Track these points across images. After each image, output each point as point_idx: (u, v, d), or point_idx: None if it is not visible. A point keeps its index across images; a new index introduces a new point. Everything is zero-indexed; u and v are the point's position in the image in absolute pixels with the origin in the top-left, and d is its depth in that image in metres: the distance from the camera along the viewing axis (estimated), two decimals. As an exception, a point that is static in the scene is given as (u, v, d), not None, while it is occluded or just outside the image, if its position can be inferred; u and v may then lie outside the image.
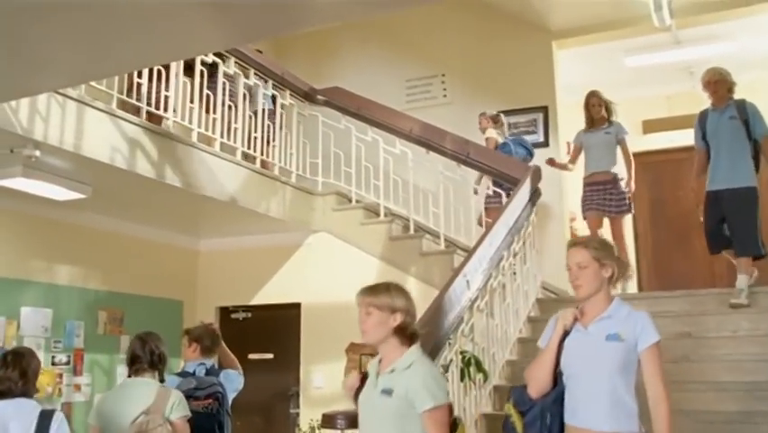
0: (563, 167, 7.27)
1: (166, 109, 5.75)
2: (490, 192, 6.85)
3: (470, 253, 5.04)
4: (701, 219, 5.91)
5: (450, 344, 4.46)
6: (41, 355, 6.05)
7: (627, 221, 7.47)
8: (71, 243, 6.43)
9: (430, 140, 6.92)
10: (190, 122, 6.00)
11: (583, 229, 9.43)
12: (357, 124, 7.23)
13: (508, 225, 5.55)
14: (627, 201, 6.76)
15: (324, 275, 6.99)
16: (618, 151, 6.86)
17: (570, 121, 8.88)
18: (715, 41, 8.22)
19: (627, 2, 7.42)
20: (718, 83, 5.90)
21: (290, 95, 7.14)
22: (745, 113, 5.79)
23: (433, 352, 3.98)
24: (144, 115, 5.53)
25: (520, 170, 6.52)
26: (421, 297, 5.12)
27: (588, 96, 6.98)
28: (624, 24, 7.69)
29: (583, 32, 7.89)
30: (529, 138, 7.74)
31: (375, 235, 6.92)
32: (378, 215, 6.99)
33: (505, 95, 8.00)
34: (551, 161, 7.18)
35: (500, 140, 7.32)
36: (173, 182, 5.66)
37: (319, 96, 7.39)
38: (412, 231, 6.86)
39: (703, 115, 6.02)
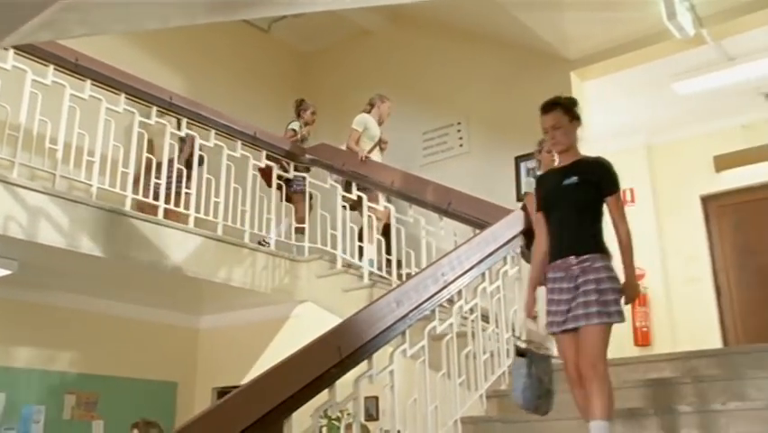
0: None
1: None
2: None
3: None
4: None
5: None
6: (-12, 442, 5.84)
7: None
8: (29, 323, 6.20)
9: (410, 191, 6.15)
10: (123, 188, 5.63)
11: (655, 289, 8.13)
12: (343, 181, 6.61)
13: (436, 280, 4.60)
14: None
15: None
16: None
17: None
18: (777, 52, 6.88)
19: (642, 17, 6.35)
20: None
21: (267, 156, 6.62)
22: None
23: None
24: (57, 183, 5.23)
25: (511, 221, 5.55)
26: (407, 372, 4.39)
27: None
28: (644, 43, 6.58)
29: (602, 57, 6.85)
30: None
31: (358, 303, 6.12)
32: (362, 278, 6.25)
33: (524, 138, 6.98)
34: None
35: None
36: (92, 252, 5.28)
37: (306, 156, 6.84)
38: (396, 295, 6.03)
39: None
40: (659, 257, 8.08)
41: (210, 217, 6.08)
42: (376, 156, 6.99)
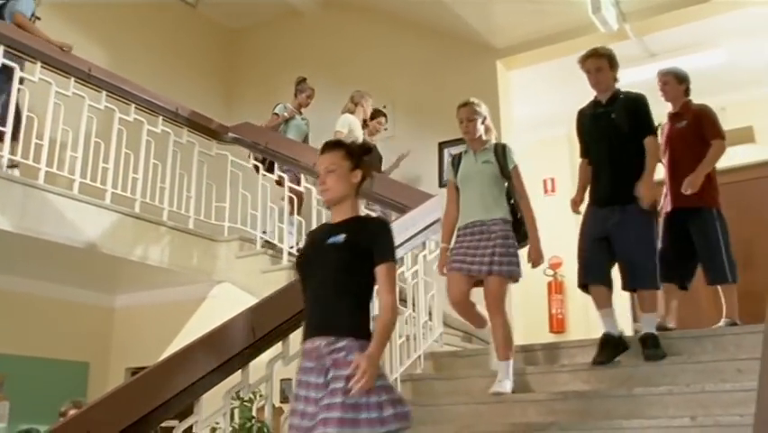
0: None
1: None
2: None
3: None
4: None
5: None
6: None
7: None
8: None
9: (333, 173, 6.11)
10: (36, 160, 5.43)
11: (571, 277, 8.30)
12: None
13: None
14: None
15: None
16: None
17: (536, 156, 7.90)
18: (696, 50, 7.08)
19: (568, 9, 6.45)
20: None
21: (188, 131, 6.49)
22: None
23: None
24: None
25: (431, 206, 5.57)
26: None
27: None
28: (570, 35, 6.71)
29: (528, 47, 6.95)
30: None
31: (277, 284, 6.08)
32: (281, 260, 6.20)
33: (448, 124, 7.01)
34: None
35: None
36: (1, 226, 5.08)
37: (229, 134, 6.73)
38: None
39: None
40: (576, 246, 8.23)
41: (128, 193, 5.94)
42: None
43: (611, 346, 4.25)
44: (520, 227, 4.50)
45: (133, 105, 6.10)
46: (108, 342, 7.16)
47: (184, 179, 6.36)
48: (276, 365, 3.93)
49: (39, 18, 6.12)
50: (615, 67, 4.50)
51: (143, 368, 6.84)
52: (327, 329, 2.82)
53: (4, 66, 5.32)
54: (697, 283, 8.11)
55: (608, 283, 4.36)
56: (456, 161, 4.73)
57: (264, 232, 6.40)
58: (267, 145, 6.51)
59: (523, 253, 4.49)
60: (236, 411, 4.83)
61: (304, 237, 6.36)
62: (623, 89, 4.55)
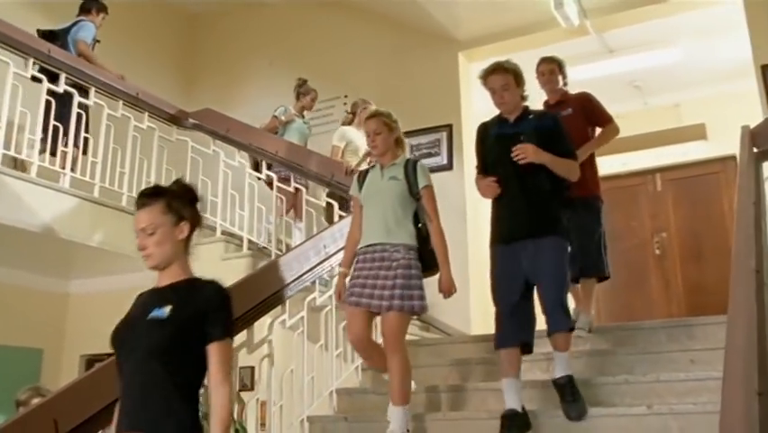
0: None
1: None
2: None
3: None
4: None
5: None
6: None
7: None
8: None
9: (294, 162, 6.13)
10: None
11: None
12: (226, 148, 6.50)
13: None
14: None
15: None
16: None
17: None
18: (653, 48, 7.25)
19: (531, 4, 6.55)
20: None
21: (149, 117, 6.43)
22: None
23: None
24: None
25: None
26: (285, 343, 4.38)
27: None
28: (532, 29, 6.81)
29: (490, 40, 7.03)
30: (432, 160, 6.86)
31: (236, 273, 6.06)
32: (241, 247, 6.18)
33: (410, 113, 7.01)
34: None
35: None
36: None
37: (189, 120, 6.68)
38: (277, 266, 6.01)
39: None
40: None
41: (87, 178, 5.86)
42: None
43: (517, 428, 3.57)
44: (426, 254, 3.90)
45: (93, 89, 6.02)
46: (62, 328, 7.04)
47: (144, 164, 6.30)
48: (240, 353, 3.95)
49: (98, 41, 6.57)
50: (521, 84, 3.91)
51: (98, 355, 6.79)
52: (140, 425, 2.30)
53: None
54: (649, 276, 8.36)
55: (530, 335, 3.79)
56: (362, 176, 4.19)
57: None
58: (227, 132, 6.47)
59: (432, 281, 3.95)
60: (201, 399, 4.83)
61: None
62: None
